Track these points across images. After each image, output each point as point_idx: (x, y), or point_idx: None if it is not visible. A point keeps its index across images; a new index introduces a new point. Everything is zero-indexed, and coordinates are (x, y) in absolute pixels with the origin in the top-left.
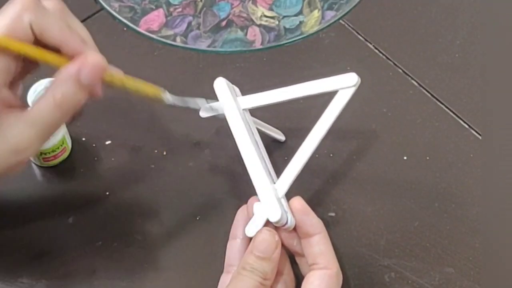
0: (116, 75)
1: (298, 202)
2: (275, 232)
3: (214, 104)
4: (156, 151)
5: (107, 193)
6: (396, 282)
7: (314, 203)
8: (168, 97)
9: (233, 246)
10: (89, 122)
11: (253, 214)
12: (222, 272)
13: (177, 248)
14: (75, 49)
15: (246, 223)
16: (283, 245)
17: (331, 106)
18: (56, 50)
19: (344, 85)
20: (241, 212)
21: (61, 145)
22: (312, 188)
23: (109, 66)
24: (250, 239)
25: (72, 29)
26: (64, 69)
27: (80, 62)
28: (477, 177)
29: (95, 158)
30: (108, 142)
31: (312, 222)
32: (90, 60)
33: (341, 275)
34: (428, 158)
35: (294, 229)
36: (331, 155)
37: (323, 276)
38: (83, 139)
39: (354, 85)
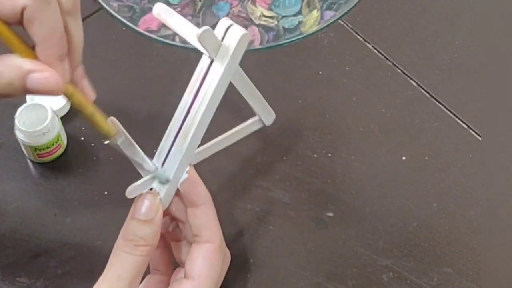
0: (80, 97)
1: (189, 170)
2: (157, 195)
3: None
4: (155, 151)
5: (106, 192)
6: (395, 282)
7: (312, 203)
8: (118, 142)
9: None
10: (88, 122)
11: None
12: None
13: None
14: (50, 58)
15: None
16: (167, 211)
17: (240, 127)
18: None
19: (263, 116)
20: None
21: (56, 142)
22: (310, 188)
23: (84, 84)
24: None
25: (62, 34)
26: None
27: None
28: (476, 178)
29: (94, 158)
30: (107, 142)
31: (199, 192)
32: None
33: (224, 247)
34: (427, 158)
35: (180, 196)
36: (330, 155)
37: (206, 252)
38: (82, 138)
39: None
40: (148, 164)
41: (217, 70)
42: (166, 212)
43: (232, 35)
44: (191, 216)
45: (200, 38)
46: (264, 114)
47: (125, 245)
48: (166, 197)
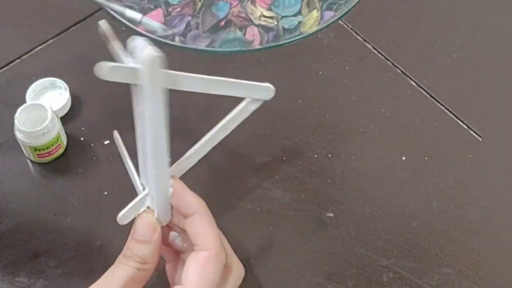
0: None
1: (174, 183)
2: (153, 213)
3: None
4: None
5: (106, 193)
6: (394, 282)
7: (312, 203)
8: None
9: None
10: (87, 122)
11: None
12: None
13: None
14: None
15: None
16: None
17: (233, 113)
18: None
19: (257, 96)
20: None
21: (56, 142)
22: (310, 188)
23: None
24: None
25: None
26: None
27: None
28: (476, 178)
29: (94, 158)
30: (106, 142)
31: (186, 203)
32: None
33: (222, 255)
34: (426, 158)
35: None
36: (329, 155)
37: (199, 259)
38: (82, 139)
39: (266, 100)
40: (137, 184)
41: (144, 97)
42: (171, 224)
43: (144, 62)
44: (186, 226)
45: (107, 77)
46: (259, 94)
47: (123, 259)
48: (161, 214)
